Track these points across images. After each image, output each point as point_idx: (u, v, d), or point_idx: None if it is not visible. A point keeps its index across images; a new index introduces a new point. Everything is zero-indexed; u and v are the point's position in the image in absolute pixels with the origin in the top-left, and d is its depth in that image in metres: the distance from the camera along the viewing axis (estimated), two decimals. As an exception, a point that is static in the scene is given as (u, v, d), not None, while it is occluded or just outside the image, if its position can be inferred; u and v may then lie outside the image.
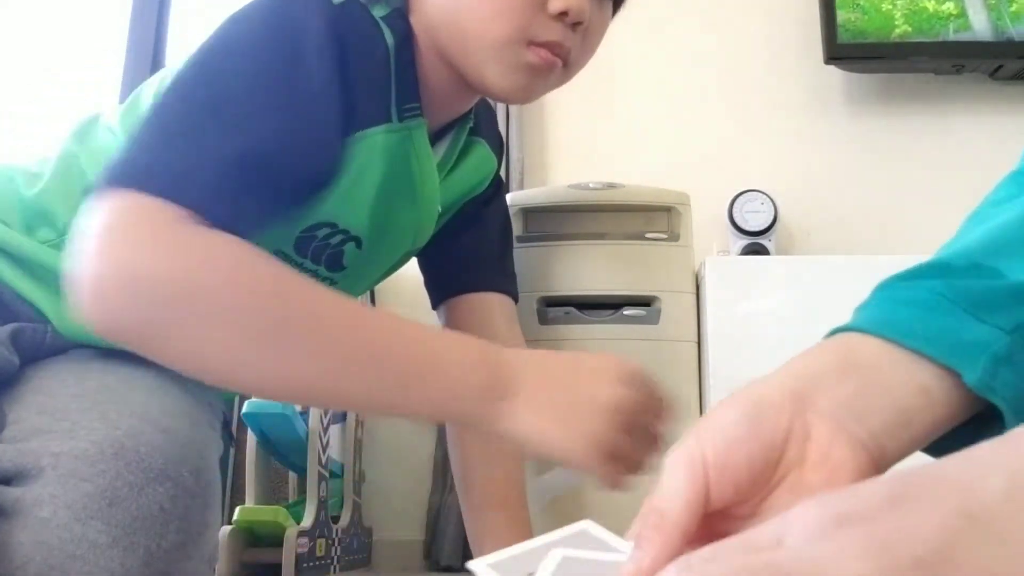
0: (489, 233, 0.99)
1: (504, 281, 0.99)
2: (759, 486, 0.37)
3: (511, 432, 0.61)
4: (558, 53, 0.74)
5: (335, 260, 0.79)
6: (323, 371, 0.59)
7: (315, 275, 0.78)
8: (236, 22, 0.68)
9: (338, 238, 0.78)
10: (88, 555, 0.56)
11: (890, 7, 1.74)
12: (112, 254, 0.57)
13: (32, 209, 0.74)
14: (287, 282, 0.60)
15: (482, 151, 0.93)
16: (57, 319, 0.72)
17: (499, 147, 1.01)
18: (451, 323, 0.95)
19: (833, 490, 0.29)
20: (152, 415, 0.65)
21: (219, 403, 0.92)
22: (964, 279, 0.41)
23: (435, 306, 0.98)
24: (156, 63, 1.99)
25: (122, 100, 0.84)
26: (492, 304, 0.95)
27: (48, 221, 0.73)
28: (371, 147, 0.74)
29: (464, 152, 0.91)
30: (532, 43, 0.72)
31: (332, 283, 0.81)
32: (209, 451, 0.70)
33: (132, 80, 1.95)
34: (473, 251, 0.97)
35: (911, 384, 0.39)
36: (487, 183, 0.97)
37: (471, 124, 0.90)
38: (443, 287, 0.97)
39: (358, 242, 0.80)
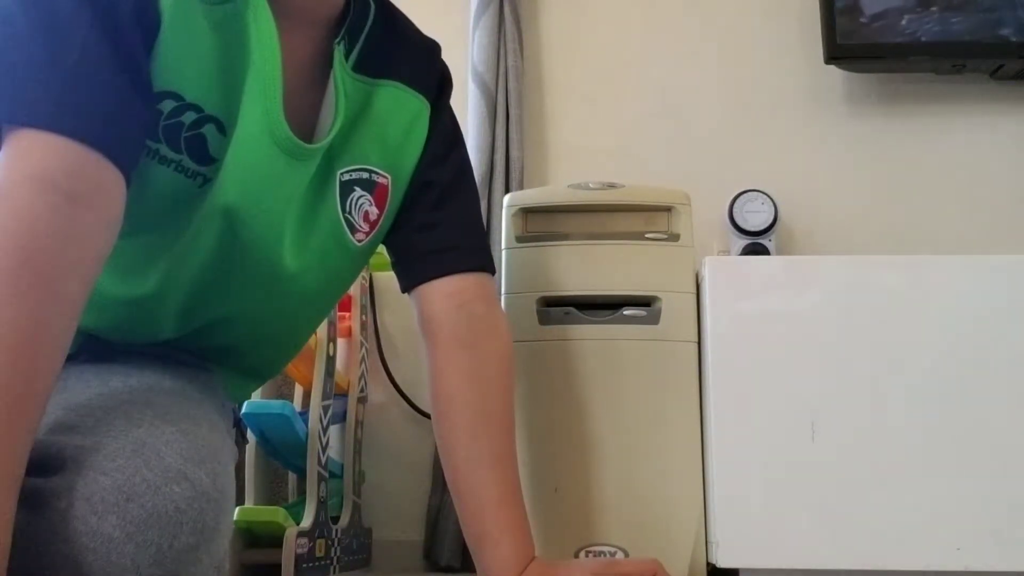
0: (451, 202, 0.93)
1: (474, 256, 0.94)
2: None
3: None
4: None
5: (197, 146, 0.74)
6: None
7: (179, 165, 0.74)
8: None
9: (191, 115, 0.73)
10: (101, 548, 0.57)
11: None
12: None
13: None
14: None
15: (392, 92, 0.88)
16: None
17: (433, 85, 0.93)
18: (425, 309, 0.92)
19: None
20: (173, 416, 0.66)
21: (231, 406, 0.92)
22: None
23: (406, 291, 0.94)
24: None
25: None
26: (466, 287, 0.91)
27: None
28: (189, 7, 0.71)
29: (367, 96, 0.86)
30: None
31: (205, 180, 0.75)
32: (226, 456, 0.70)
33: None
34: (438, 226, 0.92)
35: None
36: (418, 130, 0.90)
37: (349, 50, 0.84)
38: (411, 272, 0.93)
39: (219, 126, 0.75)
